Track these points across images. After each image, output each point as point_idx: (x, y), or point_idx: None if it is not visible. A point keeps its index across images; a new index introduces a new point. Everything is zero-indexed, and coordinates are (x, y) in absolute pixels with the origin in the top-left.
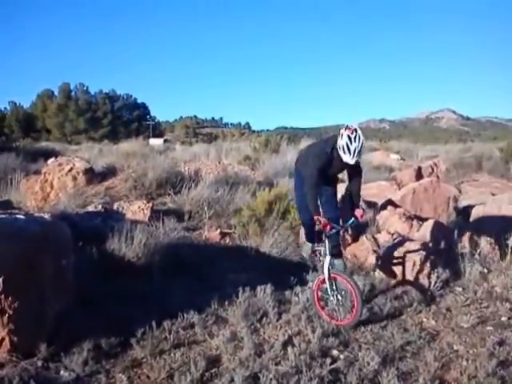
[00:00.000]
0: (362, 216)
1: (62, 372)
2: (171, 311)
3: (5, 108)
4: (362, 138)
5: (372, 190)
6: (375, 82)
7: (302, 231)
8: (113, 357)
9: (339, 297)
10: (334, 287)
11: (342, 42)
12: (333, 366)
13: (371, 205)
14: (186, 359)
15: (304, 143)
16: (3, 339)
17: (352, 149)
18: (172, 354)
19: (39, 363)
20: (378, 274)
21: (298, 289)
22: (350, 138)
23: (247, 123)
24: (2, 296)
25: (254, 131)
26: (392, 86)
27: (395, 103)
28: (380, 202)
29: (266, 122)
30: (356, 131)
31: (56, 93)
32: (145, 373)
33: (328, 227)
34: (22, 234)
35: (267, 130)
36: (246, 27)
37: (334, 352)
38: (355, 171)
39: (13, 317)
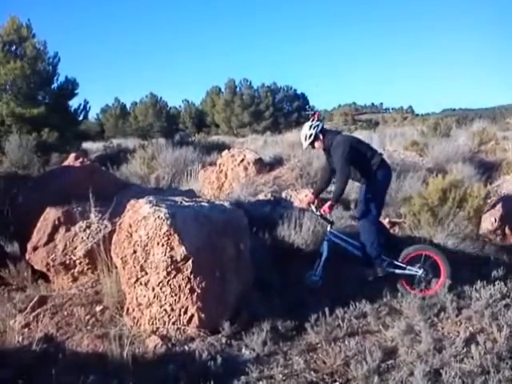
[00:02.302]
0: (324, 211)
1: (243, 350)
2: (342, 299)
3: (179, 106)
4: (305, 126)
5: None
6: None
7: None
8: (289, 339)
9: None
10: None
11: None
12: None
13: None
14: (360, 348)
15: (477, 125)
16: (192, 316)
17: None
18: (346, 342)
19: (223, 340)
20: None
21: (478, 284)
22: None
23: (410, 107)
24: (192, 276)
25: (417, 115)
26: None
27: None
28: None
29: (430, 105)
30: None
31: (223, 89)
32: (320, 358)
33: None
34: (207, 219)
35: (433, 113)
36: (409, 14)
37: None
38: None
39: (201, 295)
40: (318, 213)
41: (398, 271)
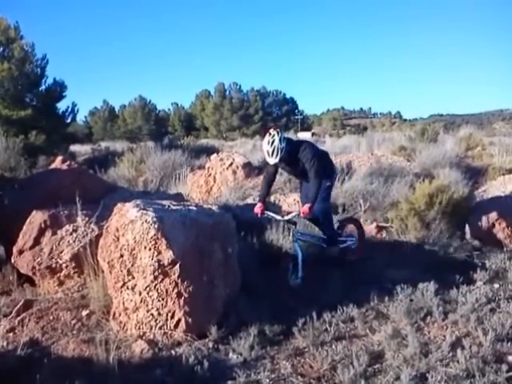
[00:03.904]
0: (303, 212)
1: (230, 354)
2: (329, 303)
3: (168, 109)
4: (275, 140)
5: None
6: None
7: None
8: (276, 344)
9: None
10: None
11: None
12: (510, 374)
13: None
14: (347, 352)
15: (464, 130)
16: (180, 320)
17: (265, 150)
18: (333, 346)
19: (210, 344)
20: None
21: (464, 288)
22: (267, 142)
23: (398, 112)
24: (179, 280)
25: (405, 120)
26: None
27: None
28: None
29: (418, 110)
30: (270, 134)
31: (212, 93)
32: (308, 362)
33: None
34: (195, 223)
35: (420, 118)
36: (398, 18)
37: (511, 358)
38: (310, 173)
39: (188, 299)
40: (281, 218)
41: (343, 245)
